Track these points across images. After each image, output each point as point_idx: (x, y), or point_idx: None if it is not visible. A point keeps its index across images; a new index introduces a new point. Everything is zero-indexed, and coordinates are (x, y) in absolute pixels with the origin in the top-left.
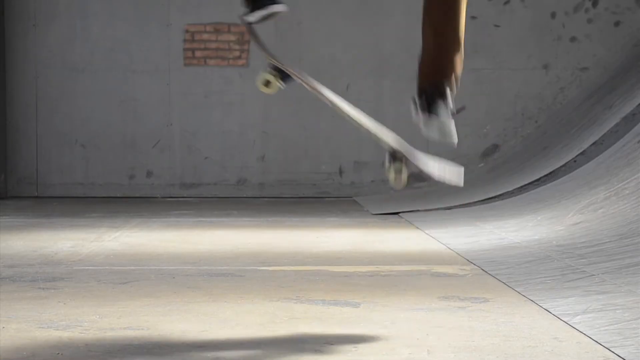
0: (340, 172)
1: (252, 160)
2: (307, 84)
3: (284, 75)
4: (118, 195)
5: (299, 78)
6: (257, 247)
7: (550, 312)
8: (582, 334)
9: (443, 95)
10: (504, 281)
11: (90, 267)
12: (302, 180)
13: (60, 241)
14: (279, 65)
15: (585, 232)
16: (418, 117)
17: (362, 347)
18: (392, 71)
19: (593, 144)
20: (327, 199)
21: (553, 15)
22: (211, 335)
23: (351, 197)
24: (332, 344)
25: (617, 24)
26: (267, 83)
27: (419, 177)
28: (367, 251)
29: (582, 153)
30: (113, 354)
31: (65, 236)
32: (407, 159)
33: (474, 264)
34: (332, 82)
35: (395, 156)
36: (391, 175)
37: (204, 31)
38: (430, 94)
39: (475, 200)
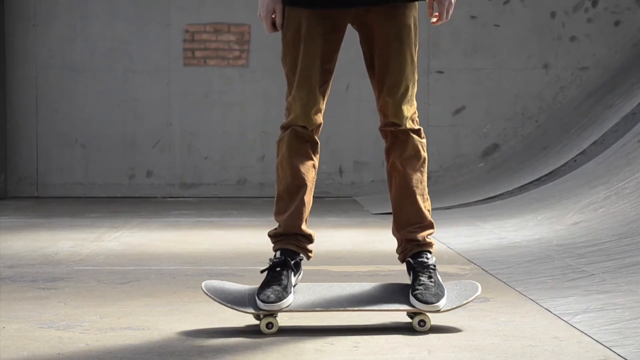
0: (340, 172)
1: (252, 160)
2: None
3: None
4: (118, 195)
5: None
6: (257, 247)
7: (550, 312)
8: (583, 334)
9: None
10: (504, 281)
11: (90, 267)
12: None
13: (60, 241)
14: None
15: (585, 231)
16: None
17: (362, 347)
18: None
19: (593, 143)
20: (327, 199)
21: (553, 15)
22: (211, 335)
23: (351, 197)
24: (332, 344)
25: (617, 23)
26: (270, 325)
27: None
28: (367, 251)
29: (582, 153)
30: (113, 354)
31: (65, 236)
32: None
33: (474, 264)
34: (332, 81)
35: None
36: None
37: (204, 31)
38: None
39: (475, 200)
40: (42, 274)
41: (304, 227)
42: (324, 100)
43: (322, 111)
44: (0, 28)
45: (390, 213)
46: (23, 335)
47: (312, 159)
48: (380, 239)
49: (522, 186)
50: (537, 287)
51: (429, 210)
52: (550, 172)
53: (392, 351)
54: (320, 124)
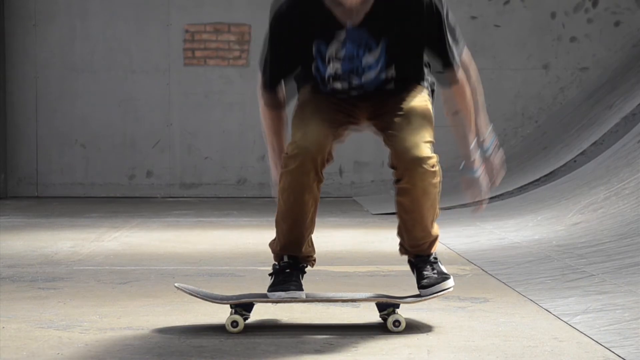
0: (340, 172)
1: (252, 160)
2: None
3: (248, 308)
4: (118, 195)
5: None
6: (257, 247)
7: (550, 312)
8: (582, 334)
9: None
10: (504, 281)
11: (90, 267)
12: None
13: (60, 241)
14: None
15: (585, 232)
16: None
17: (362, 347)
18: None
19: (593, 144)
20: (327, 199)
21: (553, 15)
22: (211, 335)
23: (351, 197)
24: (332, 344)
25: (617, 24)
26: (234, 324)
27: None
28: (367, 251)
29: (582, 153)
30: (113, 354)
31: (65, 236)
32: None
33: (474, 264)
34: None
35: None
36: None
37: (204, 31)
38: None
39: (476, 200)
40: (42, 274)
41: (302, 250)
42: (331, 138)
43: (329, 146)
44: (0, 28)
45: (390, 214)
46: (23, 335)
47: (313, 195)
48: (380, 239)
49: (522, 186)
50: (537, 287)
51: (437, 216)
52: (550, 173)
53: (392, 351)
54: (326, 157)
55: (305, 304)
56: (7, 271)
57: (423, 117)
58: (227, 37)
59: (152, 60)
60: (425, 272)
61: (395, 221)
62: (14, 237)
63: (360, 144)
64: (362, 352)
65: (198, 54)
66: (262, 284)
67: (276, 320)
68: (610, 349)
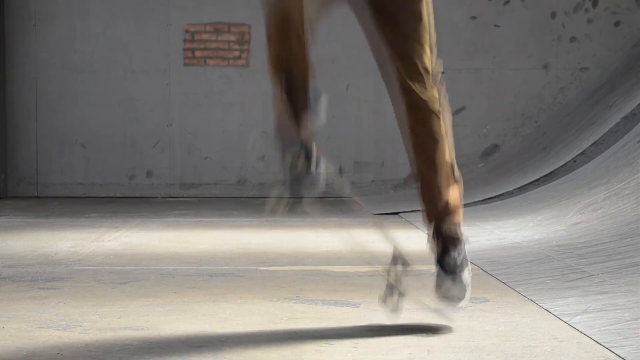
0: (340, 172)
1: (252, 160)
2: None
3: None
4: (118, 195)
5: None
6: (257, 247)
7: (550, 312)
8: (582, 334)
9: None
10: (504, 281)
11: (90, 267)
12: None
13: (60, 241)
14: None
15: (585, 232)
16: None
17: (362, 347)
18: None
19: (593, 144)
20: (327, 199)
21: (553, 15)
22: (211, 335)
23: (351, 197)
24: (332, 344)
25: (617, 24)
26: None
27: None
28: (367, 251)
29: (582, 153)
30: (113, 354)
31: (65, 236)
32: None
33: (474, 264)
34: (332, 82)
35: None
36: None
37: (204, 31)
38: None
39: (475, 200)
40: (42, 274)
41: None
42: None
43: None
44: (0, 28)
45: (390, 213)
46: (23, 335)
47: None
48: (380, 239)
49: (522, 186)
50: (537, 287)
51: (453, 150)
52: (550, 173)
53: (392, 351)
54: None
55: (305, 304)
56: (7, 271)
57: (425, 33)
58: (227, 37)
59: (152, 60)
60: (451, 251)
61: (394, 221)
62: (14, 237)
63: (360, 144)
64: (362, 352)
65: (198, 54)
66: (263, 284)
67: (276, 320)
68: (610, 349)
